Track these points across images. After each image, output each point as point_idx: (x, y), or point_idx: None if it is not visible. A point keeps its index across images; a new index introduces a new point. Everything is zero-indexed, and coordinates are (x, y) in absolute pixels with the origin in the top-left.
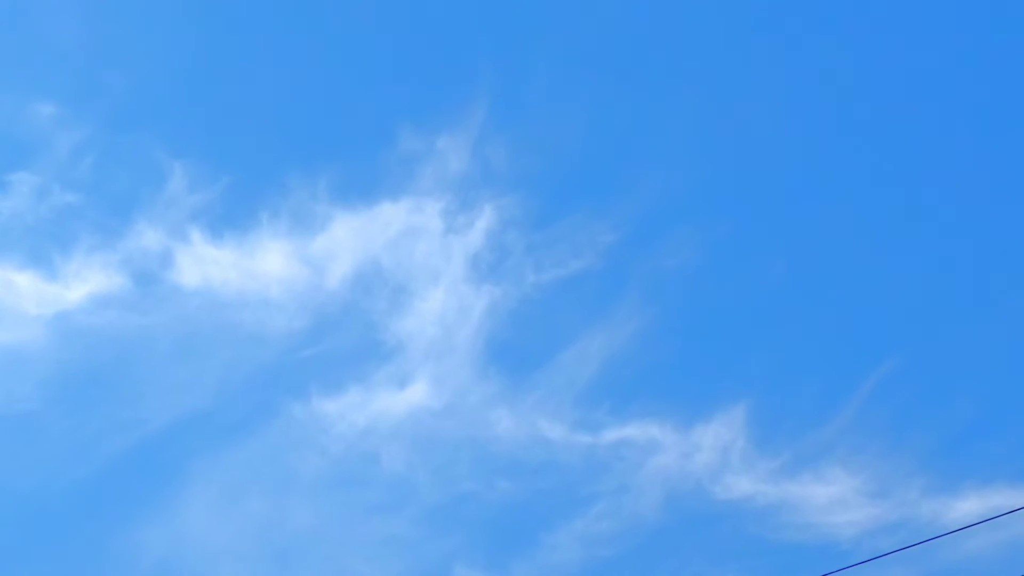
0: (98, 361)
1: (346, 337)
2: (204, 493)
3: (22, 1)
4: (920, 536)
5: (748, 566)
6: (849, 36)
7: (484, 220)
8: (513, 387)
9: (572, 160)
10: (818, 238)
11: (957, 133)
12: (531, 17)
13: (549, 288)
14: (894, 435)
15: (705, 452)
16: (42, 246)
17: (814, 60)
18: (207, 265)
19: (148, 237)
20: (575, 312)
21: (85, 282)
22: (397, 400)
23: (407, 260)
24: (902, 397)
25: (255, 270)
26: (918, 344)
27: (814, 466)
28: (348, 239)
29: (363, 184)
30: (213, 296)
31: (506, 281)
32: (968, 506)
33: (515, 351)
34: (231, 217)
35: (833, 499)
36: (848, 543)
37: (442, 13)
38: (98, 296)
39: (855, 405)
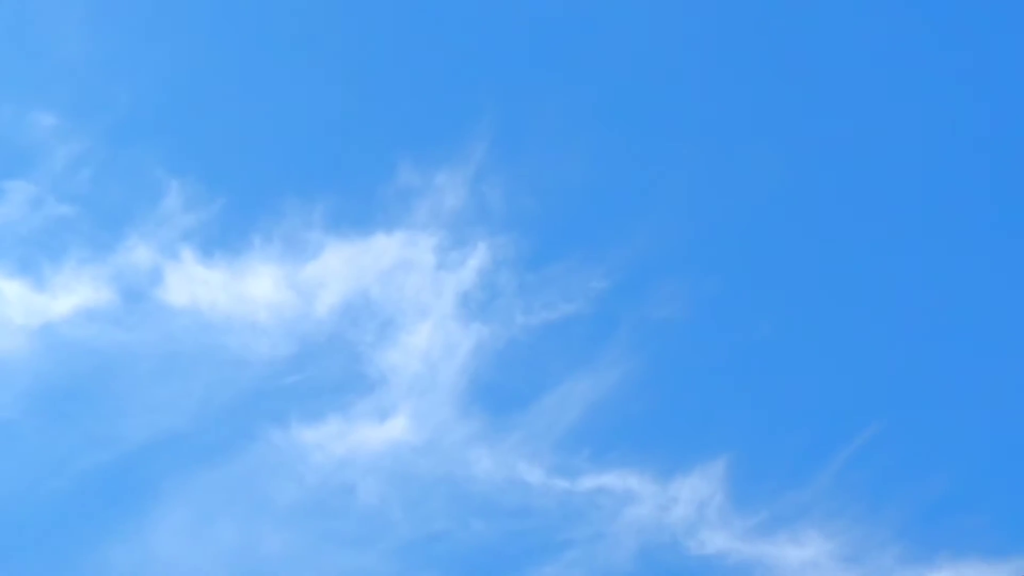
0: (80, 374)
1: (330, 366)
2: (177, 514)
3: (29, 11)
4: None
5: None
6: (848, 98)
7: (477, 258)
8: (494, 428)
9: (568, 204)
10: (806, 300)
11: (950, 199)
12: (537, 61)
13: (537, 331)
14: (872, 501)
15: (682, 505)
16: (33, 256)
17: (812, 121)
18: (196, 285)
19: (139, 253)
20: (561, 356)
21: (73, 294)
22: (377, 433)
23: (397, 293)
24: (882, 464)
25: (244, 293)
26: (900, 413)
27: (790, 527)
28: (339, 268)
29: (358, 214)
30: (200, 317)
31: (495, 321)
32: None
33: (498, 392)
34: (224, 238)
35: (807, 562)
36: None
37: (449, 50)
38: (85, 309)
39: (835, 468)
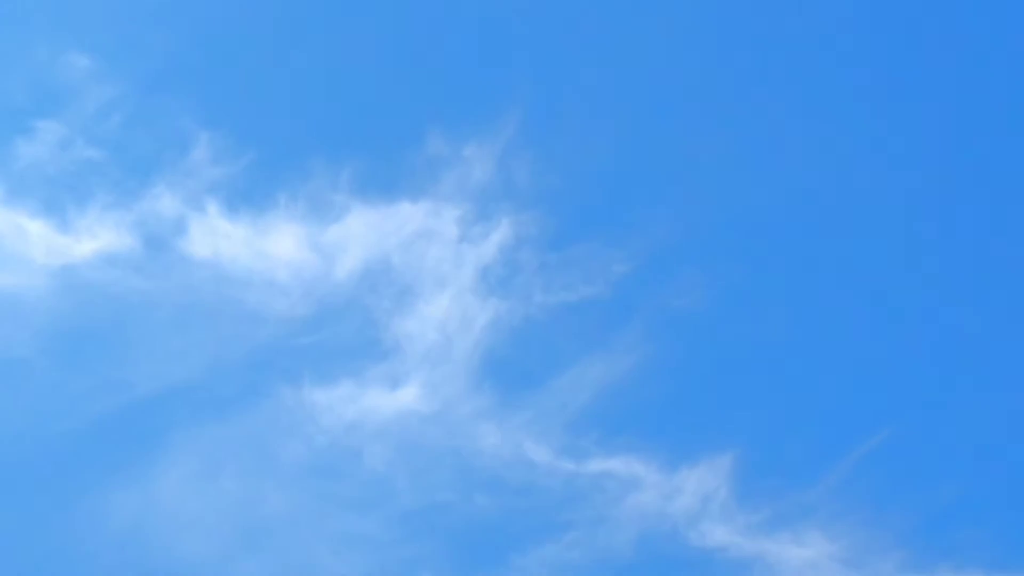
0: (97, 318)
1: (346, 330)
2: (182, 465)
3: None
4: None
5: None
6: (875, 92)
7: (500, 233)
8: (504, 404)
9: (595, 186)
10: (825, 300)
11: (969, 203)
12: (572, 42)
13: (554, 310)
14: (877, 507)
15: (686, 496)
16: (58, 197)
17: (840, 115)
18: (219, 238)
19: (164, 202)
20: (576, 338)
21: (96, 238)
22: (387, 400)
23: (417, 262)
24: (889, 470)
25: (266, 250)
26: (910, 420)
27: (793, 526)
28: (362, 233)
29: (384, 180)
30: (220, 270)
31: (513, 297)
32: None
33: (511, 368)
34: (249, 194)
35: (807, 562)
36: None
37: (486, 25)
38: (106, 254)
39: (842, 471)
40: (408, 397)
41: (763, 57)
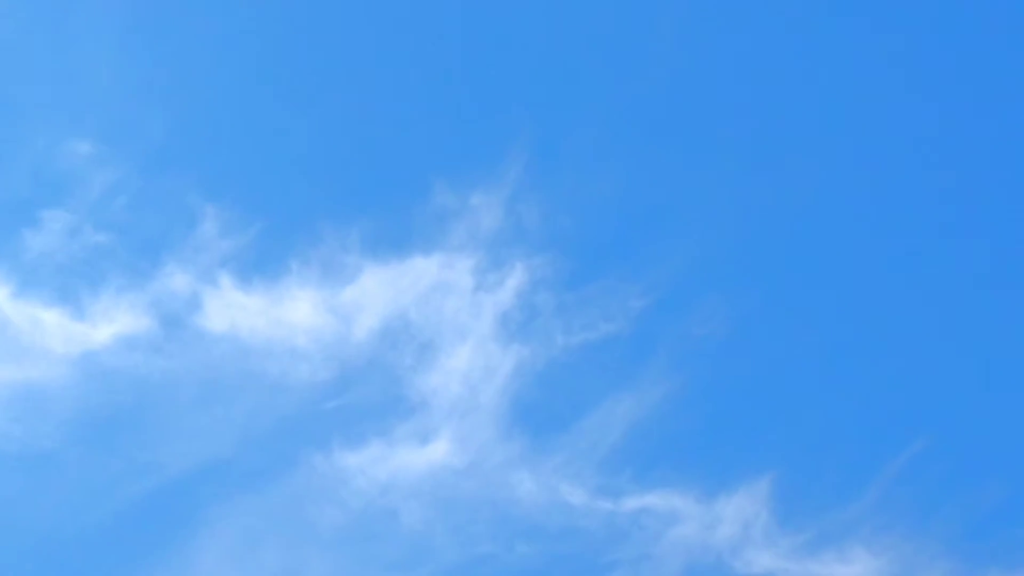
0: (121, 402)
1: (370, 390)
2: (219, 541)
3: (65, 38)
4: None
5: None
6: (894, 116)
7: (515, 279)
8: (536, 449)
9: (606, 223)
10: (848, 315)
11: (996, 215)
12: (571, 80)
13: (577, 351)
14: (920, 517)
15: (727, 525)
16: (71, 285)
17: (853, 137)
18: (235, 311)
19: (177, 280)
20: (602, 376)
21: (112, 322)
22: (418, 457)
23: (435, 315)
24: (929, 479)
25: (283, 318)
26: (947, 426)
27: (837, 545)
28: (377, 291)
29: (395, 237)
30: (239, 343)
31: (534, 341)
32: None
33: (540, 413)
34: (261, 264)
35: None
36: None
37: (483, 71)
38: (124, 337)
39: (881, 485)
40: (439, 452)
41: (772, 84)
